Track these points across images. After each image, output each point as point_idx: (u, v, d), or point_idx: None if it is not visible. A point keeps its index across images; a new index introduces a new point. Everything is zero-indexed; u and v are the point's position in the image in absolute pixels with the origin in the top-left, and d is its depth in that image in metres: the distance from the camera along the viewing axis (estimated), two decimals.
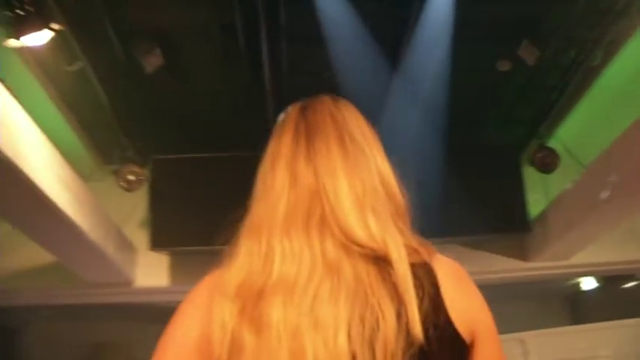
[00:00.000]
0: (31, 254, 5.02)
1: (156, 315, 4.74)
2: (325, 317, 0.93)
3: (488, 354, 1.02)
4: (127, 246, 5.06)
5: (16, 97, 3.25)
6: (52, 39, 3.35)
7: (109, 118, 4.41)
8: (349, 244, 0.99)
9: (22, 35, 2.93)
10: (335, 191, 1.03)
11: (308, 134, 1.10)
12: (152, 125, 4.68)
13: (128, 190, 4.68)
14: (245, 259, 1.01)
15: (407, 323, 0.92)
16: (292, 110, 1.17)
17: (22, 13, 2.82)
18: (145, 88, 4.28)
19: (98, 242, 4.31)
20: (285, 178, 1.07)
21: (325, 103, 1.16)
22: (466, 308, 1.01)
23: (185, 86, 4.44)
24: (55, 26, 3.06)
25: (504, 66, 4.50)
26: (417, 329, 0.92)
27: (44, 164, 3.51)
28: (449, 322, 0.98)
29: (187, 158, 4.83)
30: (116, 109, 4.32)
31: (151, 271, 5.26)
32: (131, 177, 4.67)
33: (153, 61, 3.94)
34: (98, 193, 4.78)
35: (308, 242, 0.99)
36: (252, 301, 0.96)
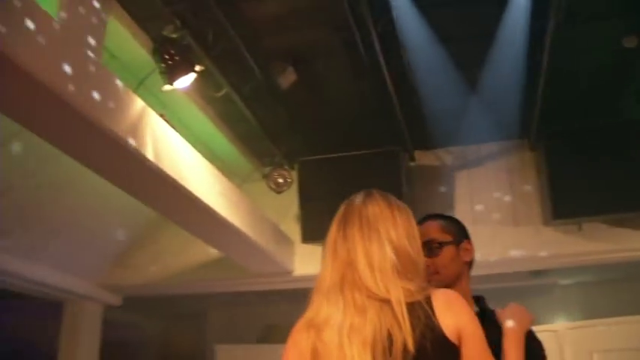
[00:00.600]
0: (209, 249, 5.94)
1: None
2: (357, 339, 1.55)
3: (471, 349, 1.57)
4: (284, 240, 5.77)
5: (175, 127, 4.00)
6: (202, 72, 4.07)
7: (257, 130, 5.10)
8: (370, 293, 1.61)
9: (174, 80, 3.63)
10: (357, 262, 1.66)
11: (345, 224, 1.74)
12: (294, 132, 5.31)
13: (277, 191, 5.37)
14: (311, 307, 1.68)
15: (405, 342, 1.52)
16: (341, 207, 1.82)
17: (171, 62, 3.51)
18: (284, 101, 4.90)
19: (255, 239, 5.04)
20: (330, 255, 1.71)
21: (357, 201, 1.79)
22: (454, 322, 1.58)
23: (319, 96, 4.98)
24: (198, 68, 3.73)
25: (631, 42, 4.49)
26: (410, 345, 1.52)
27: (203, 180, 4.25)
28: (442, 335, 1.55)
29: (328, 158, 5.40)
30: (262, 122, 5.00)
31: (307, 261, 5.91)
32: (280, 180, 5.35)
33: (287, 79, 4.50)
34: (256, 195, 5.55)
35: (342, 295, 1.63)
36: (317, 329, 1.62)
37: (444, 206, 5.68)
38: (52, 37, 2.81)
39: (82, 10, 3.09)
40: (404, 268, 1.66)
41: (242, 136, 5.45)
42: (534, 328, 2.01)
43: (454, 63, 4.34)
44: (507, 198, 5.60)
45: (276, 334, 7.89)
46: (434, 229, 2.12)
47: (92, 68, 3.14)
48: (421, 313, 1.56)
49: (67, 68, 2.84)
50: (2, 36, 2.46)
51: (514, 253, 5.48)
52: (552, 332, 5.94)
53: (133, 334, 9.45)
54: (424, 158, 5.91)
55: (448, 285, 2.02)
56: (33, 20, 2.68)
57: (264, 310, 8.09)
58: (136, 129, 3.47)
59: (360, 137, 5.28)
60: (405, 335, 1.52)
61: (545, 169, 5.13)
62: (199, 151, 5.26)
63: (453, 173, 5.82)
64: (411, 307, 1.56)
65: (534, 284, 7.42)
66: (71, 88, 2.87)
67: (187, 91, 4.61)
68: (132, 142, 3.41)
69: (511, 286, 7.39)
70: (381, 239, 1.69)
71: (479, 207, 5.64)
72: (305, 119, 5.25)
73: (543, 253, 5.42)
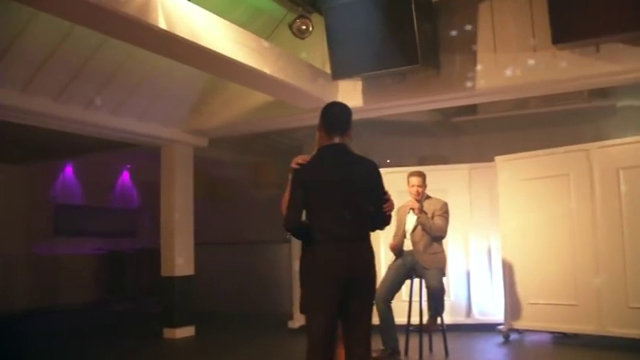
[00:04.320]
0: None
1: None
2: None
3: None
4: (323, 77, 6.95)
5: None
6: None
7: None
8: None
9: None
10: None
11: None
12: None
13: (301, 37, 6.52)
14: None
15: None
16: None
17: None
18: None
19: (286, 79, 6.34)
20: None
21: None
22: None
23: None
24: None
25: None
26: None
27: (220, 37, 5.53)
28: None
29: (349, 3, 6.38)
30: None
31: (350, 95, 7.11)
32: (303, 27, 6.48)
33: None
34: (285, 40, 6.78)
35: None
36: None
37: (466, 36, 6.55)
38: None
39: None
40: None
41: None
42: None
43: None
44: (527, 23, 6.30)
45: None
46: None
47: None
48: None
49: None
50: None
51: (532, 77, 6.29)
52: (584, 151, 6.80)
53: (231, 168, 11.52)
54: None
55: None
56: None
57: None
58: (146, 8, 4.79)
59: None
60: None
61: None
62: (244, 9, 6.66)
63: (477, 3, 6.58)
64: None
65: (595, 106, 8.12)
66: None
67: None
68: (144, 18, 4.75)
69: (573, 108, 8.18)
70: None
71: (500, 36, 6.44)
72: None
73: (559, 76, 6.17)
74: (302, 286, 3.68)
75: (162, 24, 4.92)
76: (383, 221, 3.74)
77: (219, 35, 5.55)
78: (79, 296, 11.93)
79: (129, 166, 13.25)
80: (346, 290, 3.40)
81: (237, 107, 7.89)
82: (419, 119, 8.92)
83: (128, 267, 12.46)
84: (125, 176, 13.52)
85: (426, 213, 6.13)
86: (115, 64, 6.70)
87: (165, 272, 8.36)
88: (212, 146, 9.08)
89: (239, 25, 5.93)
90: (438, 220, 6.14)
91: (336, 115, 3.67)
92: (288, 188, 3.64)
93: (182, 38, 5.12)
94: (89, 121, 7.16)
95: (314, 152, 3.72)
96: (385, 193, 3.71)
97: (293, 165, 3.62)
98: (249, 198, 11.77)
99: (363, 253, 3.54)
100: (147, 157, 10.13)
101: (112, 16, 4.59)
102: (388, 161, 8.93)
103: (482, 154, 8.33)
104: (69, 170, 12.45)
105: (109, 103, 7.20)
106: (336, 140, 3.61)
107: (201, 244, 8.96)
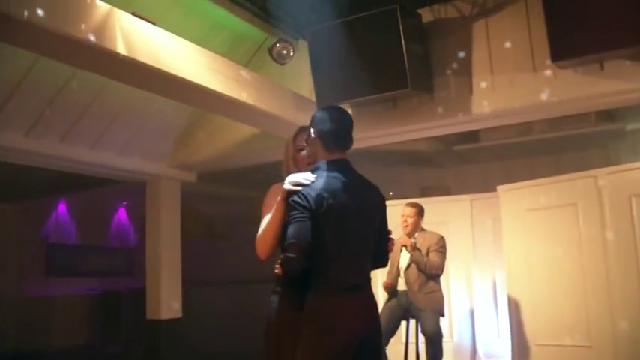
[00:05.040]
0: None
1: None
2: None
3: None
4: (308, 105, 6.49)
5: (154, 22, 4.87)
6: None
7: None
8: None
9: None
10: None
11: None
12: (299, 5, 5.92)
13: (281, 63, 6.10)
14: None
15: None
16: None
17: None
18: None
19: (268, 109, 5.88)
20: None
21: None
22: None
23: None
24: None
25: None
26: None
27: (190, 63, 5.11)
28: None
29: (333, 25, 5.96)
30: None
31: None
32: (283, 51, 6.06)
33: None
34: (271, 69, 6.34)
35: None
36: None
37: (460, 57, 6.09)
38: None
39: None
40: None
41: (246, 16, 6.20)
42: None
43: None
44: (524, 43, 5.84)
45: None
46: None
47: None
48: None
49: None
50: None
51: (532, 98, 5.81)
52: (592, 177, 6.27)
53: (227, 205, 11.03)
54: (443, 12, 6.26)
55: None
56: None
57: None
58: (102, 29, 4.38)
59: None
60: None
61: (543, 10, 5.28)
62: (226, 36, 6.23)
63: (471, 23, 6.13)
64: None
65: (603, 130, 7.61)
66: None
67: None
68: (99, 40, 4.34)
69: (580, 132, 7.66)
70: None
71: (496, 56, 5.98)
72: None
73: (561, 97, 5.68)
74: (272, 340, 3.02)
75: (121, 49, 4.52)
76: (383, 262, 3.11)
77: (190, 62, 5.14)
78: (72, 338, 11.40)
79: (125, 203, 12.84)
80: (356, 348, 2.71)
81: (225, 139, 7.45)
82: (419, 148, 8.45)
83: (123, 307, 11.95)
84: (122, 214, 13.10)
85: (419, 250, 5.63)
86: (90, 93, 6.30)
87: (150, 315, 7.90)
88: (205, 181, 8.66)
89: (221, 53, 5.56)
90: (433, 257, 5.63)
91: (341, 124, 2.92)
92: (273, 217, 2.81)
93: (144, 64, 4.71)
94: (65, 156, 6.76)
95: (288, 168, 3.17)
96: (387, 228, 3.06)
97: (290, 187, 2.78)
98: (245, 235, 11.30)
99: (374, 303, 2.86)
100: (144, 194, 9.74)
101: (65, 41, 4.20)
102: (391, 194, 8.44)
103: (488, 184, 7.82)
104: (62, 208, 12.06)
105: (86, 137, 6.81)
106: (337, 156, 2.88)
107: (195, 284, 8.51)
